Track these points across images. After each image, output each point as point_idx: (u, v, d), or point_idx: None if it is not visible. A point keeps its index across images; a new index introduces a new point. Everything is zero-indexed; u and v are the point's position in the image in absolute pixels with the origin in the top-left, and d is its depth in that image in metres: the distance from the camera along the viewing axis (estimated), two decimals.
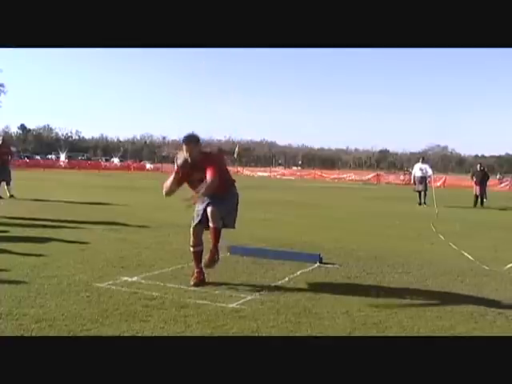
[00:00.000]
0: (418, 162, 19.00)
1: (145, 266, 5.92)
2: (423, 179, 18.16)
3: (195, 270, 5.27)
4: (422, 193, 17.95)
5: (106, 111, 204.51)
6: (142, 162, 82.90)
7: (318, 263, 6.37)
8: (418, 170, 18.46)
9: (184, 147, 5.14)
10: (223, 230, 5.25)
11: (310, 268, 6.15)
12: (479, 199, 18.71)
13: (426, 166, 18.42)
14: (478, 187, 18.85)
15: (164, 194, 5.28)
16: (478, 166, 20.07)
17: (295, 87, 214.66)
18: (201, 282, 5.16)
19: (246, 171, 57.01)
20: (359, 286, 5.35)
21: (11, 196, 14.52)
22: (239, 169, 55.66)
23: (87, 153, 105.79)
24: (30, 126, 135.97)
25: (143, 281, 5.21)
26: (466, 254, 7.29)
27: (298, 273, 5.86)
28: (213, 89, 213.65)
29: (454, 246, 7.95)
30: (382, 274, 6.00)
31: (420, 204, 17.77)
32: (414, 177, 18.61)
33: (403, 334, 3.86)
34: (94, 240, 7.57)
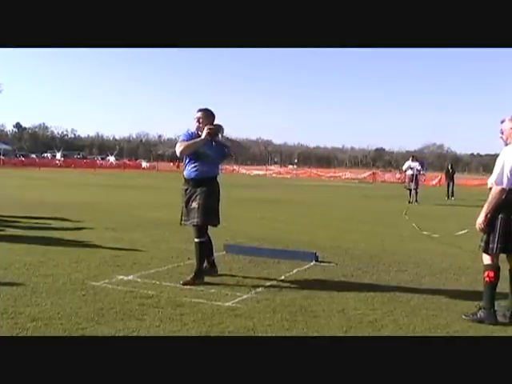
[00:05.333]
0: (409, 160, 19.31)
1: (140, 264, 5.91)
2: (414, 177, 18.34)
3: None
4: (413, 191, 18.09)
5: (102, 110, 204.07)
6: (137, 161, 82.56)
7: (313, 262, 6.37)
8: (408, 167, 18.72)
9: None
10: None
11: (306, 266, 6.16)
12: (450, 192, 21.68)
13: (416, 164, 18.64)
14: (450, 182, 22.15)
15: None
16: (449, 165, 23.31)
17: (291, 86, 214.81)
18: None
19: (242, 170, 57.01)
20: (355, 285, 5.36)
21: None
22: (235, 167, 55.65)
23: (83, 151, 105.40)
24: (26, 124, 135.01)
25: (139, 279, 5.20)
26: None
27: (294, 271, 5.86)
28: (209, 87, 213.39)
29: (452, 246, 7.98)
30: (378, 272, 6.01)
31: (410, 202, 17.74)
32: (406, 175, 19.10)
33: (399, 333, 3.87)
34: (90, 239, 7.55)
